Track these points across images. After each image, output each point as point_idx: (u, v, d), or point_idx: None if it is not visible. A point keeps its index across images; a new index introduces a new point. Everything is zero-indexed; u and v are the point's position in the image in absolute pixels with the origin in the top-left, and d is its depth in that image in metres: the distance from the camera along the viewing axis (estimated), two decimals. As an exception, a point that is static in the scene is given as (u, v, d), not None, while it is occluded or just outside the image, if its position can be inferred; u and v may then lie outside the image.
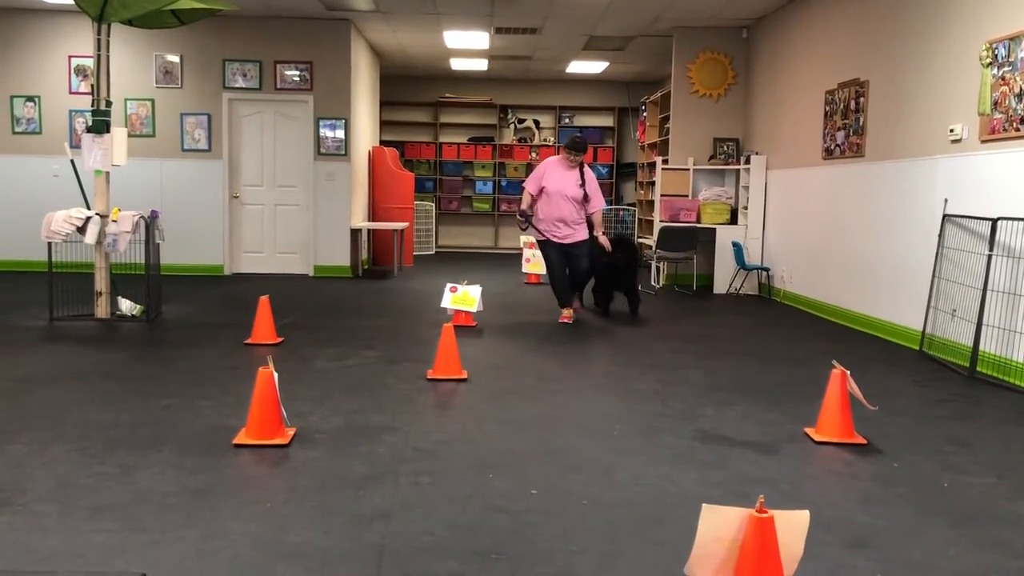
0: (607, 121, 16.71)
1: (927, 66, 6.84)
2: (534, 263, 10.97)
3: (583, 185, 7.67)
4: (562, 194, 7.62)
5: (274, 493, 3.43)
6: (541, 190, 7.75)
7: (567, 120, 16.67)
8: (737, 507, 2.32)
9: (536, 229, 7.86)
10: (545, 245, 7.86)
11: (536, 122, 16.60)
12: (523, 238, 12.67)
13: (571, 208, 7.65)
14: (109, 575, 2.66)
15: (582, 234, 7.75)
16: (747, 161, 10.65)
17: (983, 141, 6.09)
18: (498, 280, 11.14)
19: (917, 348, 6.72)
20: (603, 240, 7.79)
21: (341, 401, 4.86)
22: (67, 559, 2.77)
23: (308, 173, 11.41)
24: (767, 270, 10.24)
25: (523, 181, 16.47)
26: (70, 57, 11.10)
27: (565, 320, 7.80)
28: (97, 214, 7.26)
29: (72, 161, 7.77)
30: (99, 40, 7.27)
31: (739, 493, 3.51)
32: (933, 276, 6.57)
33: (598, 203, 7.78)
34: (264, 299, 6.60)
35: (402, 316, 8.08)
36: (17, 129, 11.17)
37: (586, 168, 7.78)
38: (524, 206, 7.83)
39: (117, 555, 2.81)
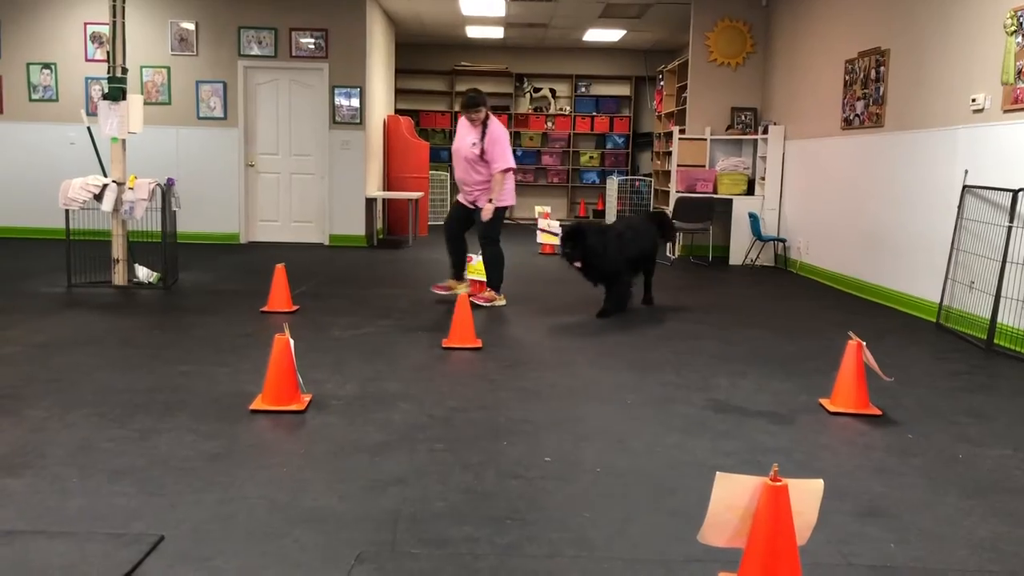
0: (624, 90, 16.58)
1: (949, 34, 6.74)
2: (548, 234, 10.94)
3: (476, 144, 6.92)
4: (460, 154, 7.10)
5: (290, 458, 3.46)
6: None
7: (583, 89, 16.54)
8: (751, 475, 2.32)
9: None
10: (460, 207, 7.33)
11: (552, 91, 16.48)
12: (538, 208, 12.66)
13: (466, 168, 7.04)
14: (128, 537, 2.69)
15: (484, 199, 7.03)
16: (765, 131, 10.56)
17: (1006, 111, 6.00)
18: (512, 250, 11.10)
19: (934, 320, 6.68)
20: (486, 210, 6.92)
21: (357, 368, 4.88)
22: (87, 521, 2.81)
23: (323, 142, 11.39)
24: (783, 241, 10.18)
25: (539, 151, 16.60)
26: (86, 24, 11.08)
27: (435, 290, 7.34)
28: (114, 181, 7.28)
29: (89, 128, 7.79)
30: (115, 7, 7.25)
31: (752, 462, 3.51)
32: (952, 248, 6.51)
33: (497, 165, 6.92)
34: (280, 267, 6.62)
35: (417, 285, 8.09)
36: (34, 96, 11.19)
37: (490, 127, 6.96)
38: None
39: (136, 517, 2.85)
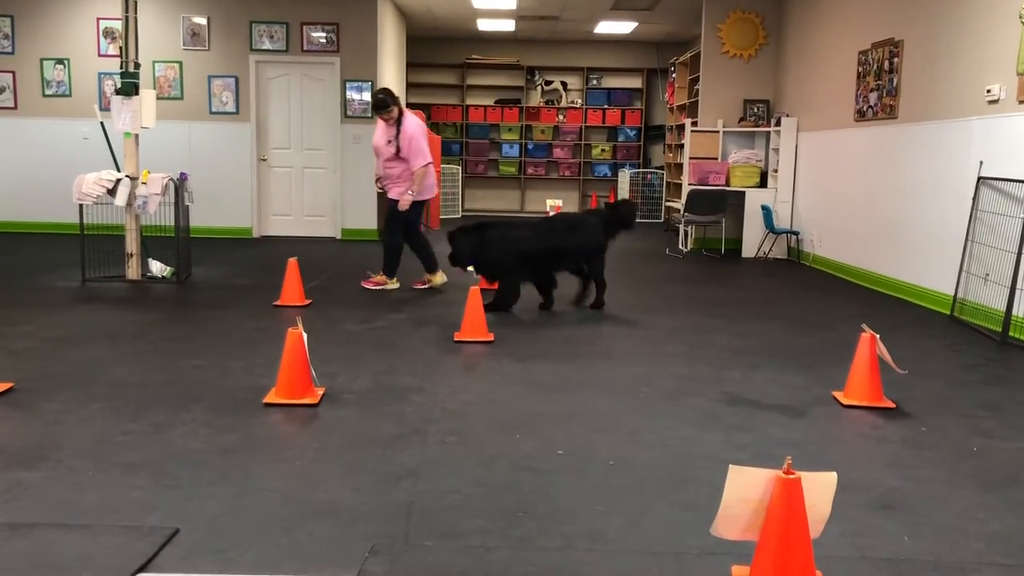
0: (636, 83, 16.53)
1: (964, 25, 6.69)
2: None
3: (391, 142, 7.17)
4: (378, 152, 7.40)
5: (304, 451, 3.47)
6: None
7: (595, 82, 16.50)
8: (764, 468, 2.32)
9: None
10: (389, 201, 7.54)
11: (564, 84, 16.45)
12: (549, 202, 12.64)
13: (385, 165, 7.31)
14: (143, 529, 2.71)
15: (396, 192, 7.29)
16: (778, 123, 10.51)
17: (1021, 101, 5.95)
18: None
19: (948, 313, 6.65)
20: (403, 201, 7.15)
21: (369, 362, 4.90)
22: (103, 514, 2.83)
23: (335, 136, 11.41)
24: (796, 234, 10.14)
25: (550, 144, 16.58)
26: (98, 19, 11.13)
27: (416, 286, 7.52)
28: (127, 176, 7.31)
29: (102, 123, 7.83)
30: (127, 2, 7.27)
31: (765, 455, 3.50)
32: (966, 240, 6.47)
33: (416, 161, 7.16)
34: (292, 261, 6.64)
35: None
36: (47, 92, 11.24)
37: (404, 124, 7.18)
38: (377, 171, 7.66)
39: (151, 510, 2.86)
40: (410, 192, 7.19)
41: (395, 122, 7.20)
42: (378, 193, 7.56)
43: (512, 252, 6.43)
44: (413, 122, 7.25)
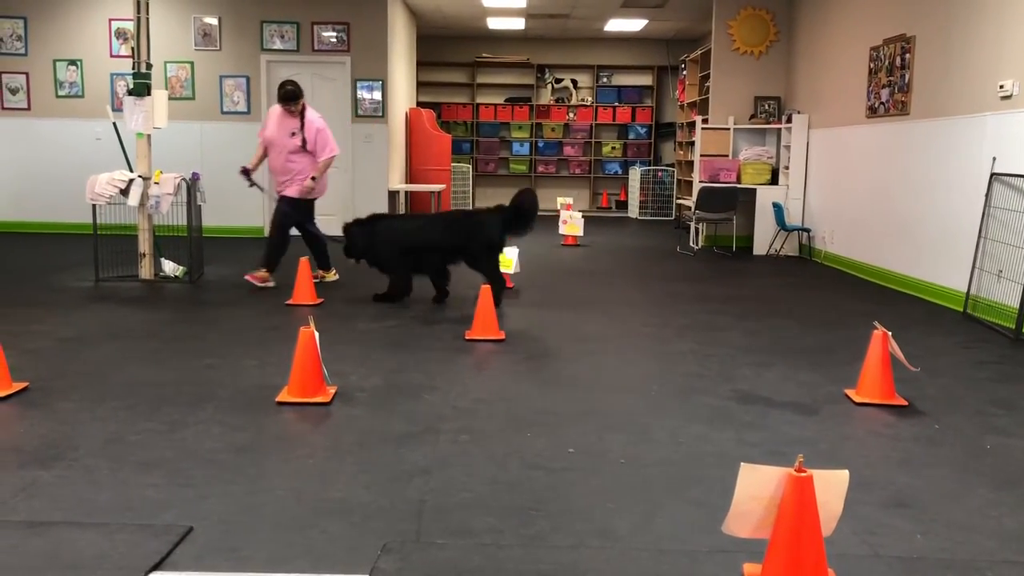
0: (646, 80, 16.50)
1: (977, 20, 6.65)
2: (571, 224, 10.94)
3: (296, 134, 7.09)
4: (276, 145, 7.20)
5: (316, 450, 3.49)
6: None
7: (605, 80, 16.48)
8: (775, 466, 2.32)
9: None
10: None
11: (574, 81, 16.44)
12: (560, 199, 12.63)
13: (286, 158, 7.17)
14: (158, 527, 2.73)
15: (293, 189, 7.21)
16: (789, 120, 10.48)
17: (1034, 97, 5.92)
18: (535, 242, 11.10)
19: (961, 310, 6.62)
20: (307, 185, 7.14)
21: (381, 360, 4.91)
22: (118, 512, 2.85)
23: (346, 135, 11.42)
24: (808, 231, 10.11)
25: (561, 142, 16.56)
26: (110, 20, 11.18)
27: (263, 281, 7.24)
28: (140, 176, 7.35)
29: (114, 124, 7.87)
30: (139, 2, 7.31)
31: (777, 453, 3.50)
32: (979, 236, 6.44)
33: (326, 152, 7.17)
34: (304, 260, 6.66)
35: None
36: (60, 93, 11.30)
37: (308, 116, 7.16)
38: (254, 161, 7.39)
39: (165, 508, 2.88)
40: (312, 178, 7.12)
41: (299, 114, 7.12)
42: (250, 186, 7.37)
43: (399, 245, 6.52)
44: (316, 114, 7.27)
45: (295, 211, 7.25)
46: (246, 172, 7.29)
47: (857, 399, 4.25)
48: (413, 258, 6.54)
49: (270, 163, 7.36)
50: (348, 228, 6.70)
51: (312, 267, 6.96)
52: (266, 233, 7.17)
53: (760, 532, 2.36)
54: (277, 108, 7.26)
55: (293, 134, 7.11)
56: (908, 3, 7.80)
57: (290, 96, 7.07)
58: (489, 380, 4.59)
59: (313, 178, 7.16)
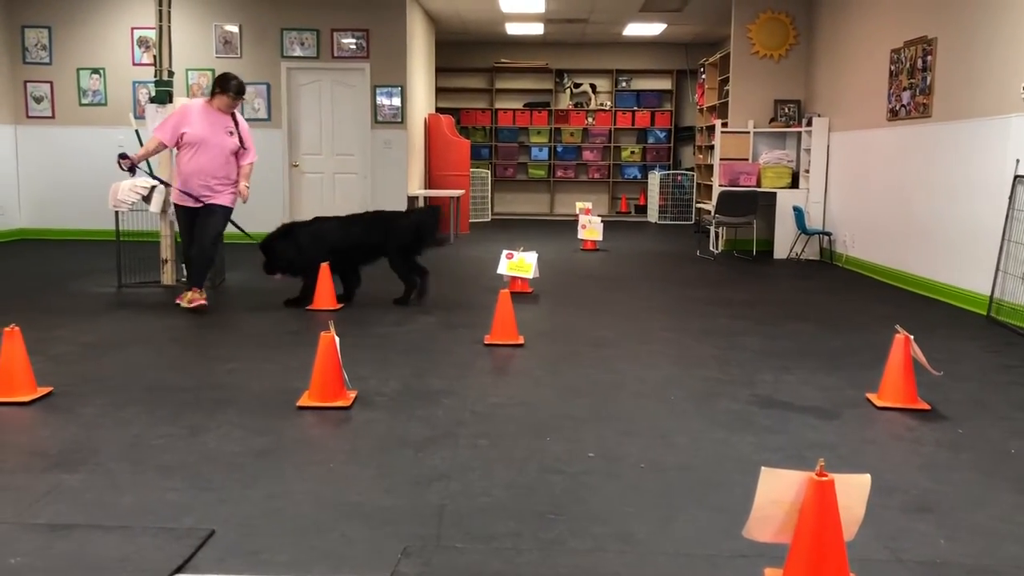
0: (665, 84, 16.47)
1: (999, 21, 6.60)
2: (590, 229, 10.93)
3: (234, 133, 6.47)
4: (213, 145, 6.36)
5: (336, 454, 3.50)
6: (180, 139, 6.34)
7: (624, 84, 16.47)
8: (796, 470, 2.30)
9: (176, 190, 6.46)
10: (187, 211, 6.50)
11: (592, 86, 16.43)
12: (579, 204, 12.63)
13: (224, 160, 6.42)
14: (180, 531, 2.75)
15: (228, 197, 6.51)
16: (809, 123, 10.42)
17: (1058, 98, 5.87)
18: (554, 247, 11.12)
19: (984, 314, 6.55)
20: (246, 192, 6.60)
21: (400, 365, 4.92)
22: (140, 515, 2.87)
23: (365, 141, 11.48)
24: (829, 235, 10.05)
25: (580, 147, 16.54)
26: (132, 29, 11.29)
27: (198, 303, 6.38)
28: (161, 183, 7.41)
29: (137, 131, 7.93)
30: (160, 11, 7.39)
31: (798, 458, 3.48)
32: (1003, 239, 6.38)
33: (252, 155, 6.62)
34: (324, 266, 6.68)
35: (459, 282, 8.12)
36: (84, 101, 11.43)
37: (239, 116, 6.59)
38: (140, 155, 6.38)
39: (186, 512, 2.90)
40: (244, 185, 6.57)
41: (233, 113, 6.53)
42: (186, 210, 6.51)
43: (326, 246, 6.62)
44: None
45: (227, 219, 6.58)
46: (127, 160, 6.29)
47: (879, 403, 4.21)
48: (340, 258, 6.69)
49: (199, 165, 6.36)
50: (268, 245, 6.60)
51: (186, 285, 6.52)
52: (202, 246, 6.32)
53: (781, 537, 2.34)
54: (198, 104, 6.50)
55: (231, 133, 6.43)
56: (929, 5, 7.74)
57: (242, 90, 6.49)
58: (508, 384, 4.59)
59: (247, 186, 6.59)
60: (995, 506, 3.04)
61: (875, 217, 8.86)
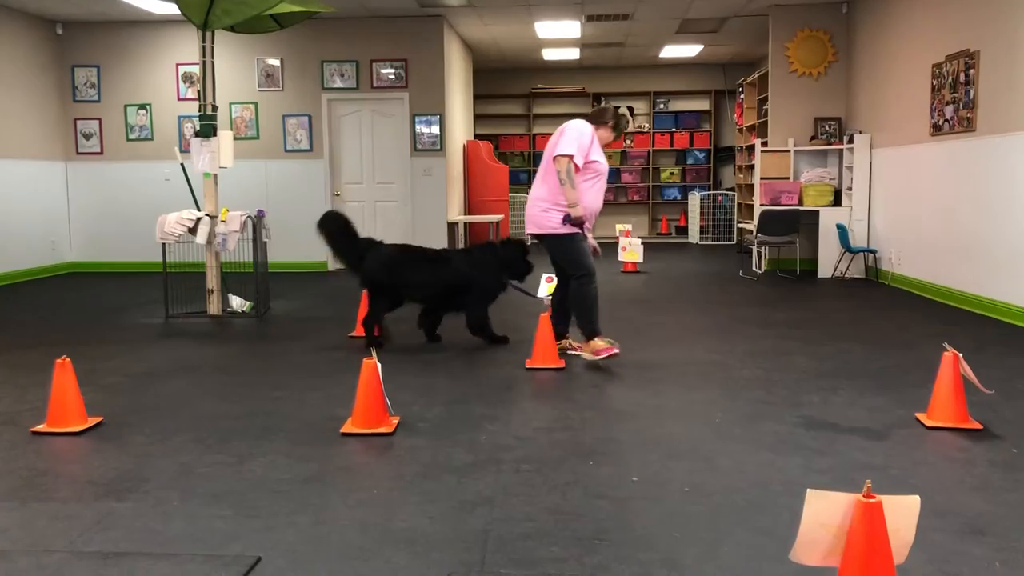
0: (703, 105, 16.44)
1: (1043, 32, 6.50)
2: (630, 251, 10.90)
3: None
4: (605, 178, 5.91)
5: (380, 480, 3.52)
6: (587, 166, 5.72)
7: (662, 106, 16.47)
8: (843, 492, 2.26)
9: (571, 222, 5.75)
10: (583, 242, 5.85)
11: (630, 108, 16.45)
12: (619, 226, 12.61)
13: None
14: (227, 558, 2.78)
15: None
16: (850, 140, 10.32)
17: (1106, 109, 5.75)
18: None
19: (1037, 329, 6.41)
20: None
21: (442, 391, 4.94)
22: (188, 543, 2.91)
23: (405, 169, 11.60)
24: (874, 252, 9.91)
25: (619, 169, 16.51)
26: (177, 65, 11.57)
27: (614, 352, 5.47)
28: (207, 215, 7.55)
29: (182, 165, 8.11)
30: (204, 47, 7.55)
31: (846, 480, 3.42)
32: (1054, 253, 6.24)
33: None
34: (367, 293, 6.73)
35: (499, 307, 8.11)
36: (131, 136, 11.71)
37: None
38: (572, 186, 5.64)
39: (234, 539, 2.93)
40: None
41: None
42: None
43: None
44: None
45: None
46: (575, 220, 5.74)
47: (928, 423, 4.13)
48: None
49: (596, 198, 6.00)
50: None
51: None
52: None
53: (829, 560, 2.30)
54: (592, 129, 6.05)
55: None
56: (971, 19, 7.65)
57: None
58: (550, 409, 4.58)
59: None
60: (1053, 528, 2.96)
61: (921, 233, 8.72)
